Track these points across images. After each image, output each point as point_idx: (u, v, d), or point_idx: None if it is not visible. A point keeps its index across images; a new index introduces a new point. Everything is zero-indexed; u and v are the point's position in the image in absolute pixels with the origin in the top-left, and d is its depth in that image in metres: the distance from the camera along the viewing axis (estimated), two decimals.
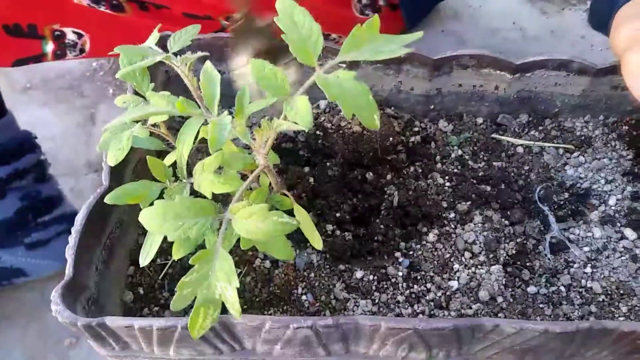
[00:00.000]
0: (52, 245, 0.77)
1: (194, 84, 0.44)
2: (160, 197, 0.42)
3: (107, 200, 0.39)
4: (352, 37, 0.34)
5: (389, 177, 0.56)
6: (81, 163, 0.95)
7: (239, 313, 0.33)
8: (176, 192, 0.40)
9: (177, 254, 0.38)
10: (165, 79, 0.58)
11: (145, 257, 0.41)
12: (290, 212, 0.41)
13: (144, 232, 0.53)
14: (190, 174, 0.41)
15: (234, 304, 0.33)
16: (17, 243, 0.75)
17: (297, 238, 0.50)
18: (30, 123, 0.80)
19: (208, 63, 0.37)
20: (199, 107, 0.37)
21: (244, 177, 0.40)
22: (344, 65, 0.58)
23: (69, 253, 0.42)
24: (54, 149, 0.95)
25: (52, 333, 0.78)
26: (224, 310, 0.39)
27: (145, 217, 0.33)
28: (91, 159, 0.95)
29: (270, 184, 0.43)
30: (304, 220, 0.41)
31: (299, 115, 0.33)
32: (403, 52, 0.33)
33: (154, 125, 0.44)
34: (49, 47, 0.75)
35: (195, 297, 0.34)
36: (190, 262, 0.34)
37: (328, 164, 0.55)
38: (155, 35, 0.45)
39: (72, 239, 0.43)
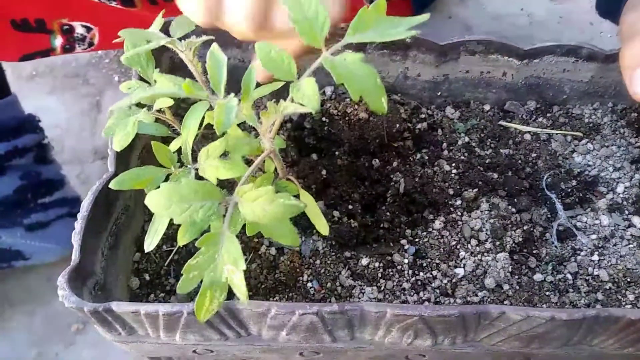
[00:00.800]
0: (51, 228, 0.78)
1: (199, 68, 0.44)
2: (166, 182, 0.41)
3: (112, 185, 0.39)
4: (359, 19, 0.34)
5: (395, 164, 0.55)
6: (87, 150, 0.95)
7: (246, 296, 0.33)
8: (181, 177, 0.40)
9: (182, 240, 0.38)
10: (171, 65, 0.58)
11: (151, 243, 0.41)
12: (296, 198, 0.41)
13: (149, 219, 0.53)
14: (195, 159, 0.41)
15: (240, 287, 0.33)
16: (16, 224, 0.75)
17: (302, 225, 0.50)
18: (36, 110, 0.80)
19: (215, 45, 0.37)
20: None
21: (249, 162, 0.40)
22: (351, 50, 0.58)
23: (76, 239, 0.42)
24: (59, 136, 0.95)
25: (58, 319, 0.79)
26: (230, 296, 0.40)
27: (152, 200, 0.32)
28: (97, 146, 0.96)
29: (275, 169, 0.43)
30: (310, 205, 0.41)
31: (305, 97, 0.33)
32: (409, 35, 0.33)
33: (159, 111, 0.44)
34: (58, 41, 0.75)
35: (202, 281, 0.34)
36: (197, 244, 0.33)
37: (337, 152, 0.55)
38: (159, 21, 0.45)
39: (79, 225, 0.43)
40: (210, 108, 0.42)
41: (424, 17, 0.33)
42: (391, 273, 0.49)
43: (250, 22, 0.42)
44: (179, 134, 0.45)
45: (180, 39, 0.42)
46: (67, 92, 1.04)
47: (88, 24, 0.74)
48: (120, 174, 0.40)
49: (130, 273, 0.50)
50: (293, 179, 0.42)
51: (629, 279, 0.50)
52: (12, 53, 0.73)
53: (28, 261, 0.78)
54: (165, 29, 0.43)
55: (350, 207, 0.51)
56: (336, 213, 0.51)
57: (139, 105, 0.46)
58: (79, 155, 0.95)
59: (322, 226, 0.42)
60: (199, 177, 0.40)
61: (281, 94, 0.39)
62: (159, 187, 0.40)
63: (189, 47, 0.42)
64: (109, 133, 0.41)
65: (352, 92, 0.33)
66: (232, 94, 0.35)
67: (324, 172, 0.53)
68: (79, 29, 0.74)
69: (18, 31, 0.70)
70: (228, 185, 0.44)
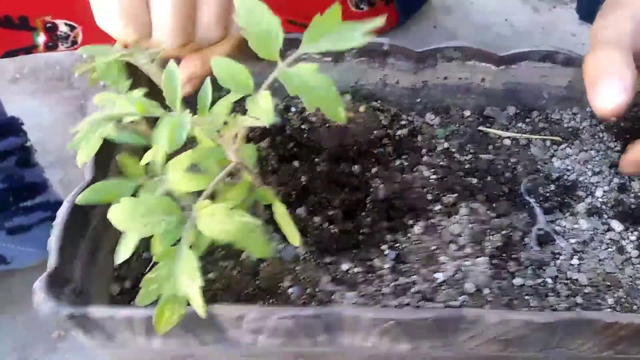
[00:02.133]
0: (33, 232, 0.77)
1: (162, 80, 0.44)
2: (134, 195, 0.41)
3: (78, 201, 0.39)
4: (312, 28, 0.34)
5: (375, 170, 0.56)
6: (70, 154, 0.94)
7: (203, 310, 0.34)
8: (151, 189, 0.40)
9: (156, 250, 0.38)
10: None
11: (121, 256, 0.41)
12: (269, 207, 0.41)
13: None
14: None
15: (197, 302, 0.34)
16: None
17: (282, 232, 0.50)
18: (19, 113, 0.79)
19: (171, 62, 0.36)
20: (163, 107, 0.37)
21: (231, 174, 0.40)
22: (330, 59, 0.58)
23: (53, 244, 0.42)
24: (43, 140, 0.94)
25: (40, 324, 0.78)
26: (211, 300, 0.40)
27: (113, 215, 0.33)
28: None
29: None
30: (281, 215, 0.41)
31: (261, 111, 0.33)
32: (363, 41, 0.33)
33: (132, 122, 0.44)
34: (41, 38, 0.74)
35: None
36: (154, 259, 0.34)
37: (316, 159, 0.55)
38: None
39: (56, 230, 0.43)
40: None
41: (379, 21, 0.33)
42: (371, 278, 0.49)
43: (176, 37, 0.43)
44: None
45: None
46: (50, 95, 1.04)
47: (72, 23, 0.74)
48: (85, 190, 0.40)
49: (111, 279, 0.50)
50: (267, 188, 0.43)
51: (608, 283, 0.51)
52: None
53: (9, 265, 0.77)
54: None
55: (330, 213, 0.52)
56: (317, 219, 0.52)
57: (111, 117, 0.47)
58: (62, 159, 0.94)
59: (294, 237, 0.42)
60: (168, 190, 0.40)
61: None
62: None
63: (150, 59, 0.42)
64: (74, 146, 0.41)
65: (306, 102, 0.33)
66: (187, 110, 0.36)
67: (304, 178, 0.53)
68: (62, 27, 0.74)
69: (1, 27, 0.70)
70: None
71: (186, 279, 0.34)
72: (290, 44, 0.38)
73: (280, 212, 0.41)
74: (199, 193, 0.39)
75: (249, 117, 0.34)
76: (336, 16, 0.33)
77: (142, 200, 0.33)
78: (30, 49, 0.75)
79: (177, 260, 0.34)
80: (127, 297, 0.49)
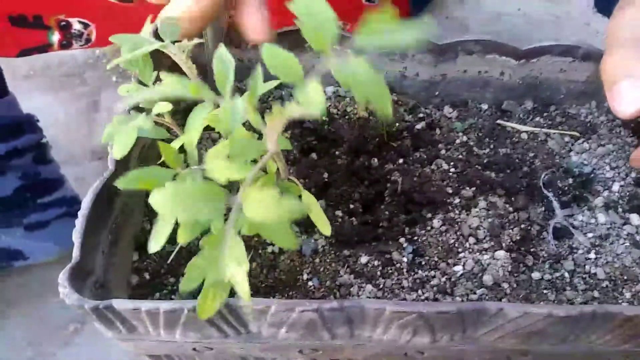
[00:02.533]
0: (51, 228, 0.78)
1: (194, 71, 0.44)
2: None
3: (118, 184, 0.39)
4: (366, 24, 0.34)
5: (393, 163, 0.56)
6: (84, 150, 0.96)
7: (248, 295, 0.33)
8: (189, 177, 0.40)
9: (182, 238, 0.38)
10: (171, 64, 0.58)
11: (155, 244, 0.41)
12: (298, 199, 0.41)
13: (148, 218, 0.53)
14: (200, 160, 0.41)
15: (243, 286, 0.33)
16: (16, 223, 0.76)
17: (304, 224, 0.50)
18: (33, 110, 0.80)
19: (222, 47, 0.37)
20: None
21: (253, 161, 0.40)
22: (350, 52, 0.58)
23: (76, 236, 0.42)
24: (56, 137, 0.95)
25: (55, 319, 0.79)
26: (230, 294, 0.40)
27: (156, 200, 0.32)
28: (94, 147, 0.96)
29: (277, 169, 0.43)
30: (312, 206, 0.41)
31: (311, 102, 0.33)
32: (416, 41, 0.33)
33: (158, 115, 0.44)
34: (55, 37, 0.75)
35: (204, 280, 0.34)
36: (200, 244, 0.34)
37: (337, 152, 0.55)
38: (148, 26, 0.45)
39: (79, 223, 0.43)
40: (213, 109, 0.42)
41: (429, 21, 0.33)
42: (390, 271, 0.50)
43: None
44: (177, 136, 0.45)
45: (173, 42, 0.42)
46: (64, 92, 1.04)
47: (85, 20, 0.75)
48: (127, 173, 0.40)
49: (130, 271, 0.50)
50: (295, 180, 0.43)
51: (625, 277, 0.51)
52: (10, 49, 0.73)
53: (27, 260, 0.78)
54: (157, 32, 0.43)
55: (351, 206, 0.52)
56: (338, 212, 0.52)
57: (138, 109, 0.47)
58: (76, 155, 0.95)
59: (325, 227, 0.42)
60: (206, 178, 0.40)
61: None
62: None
63: (181, 50, 0.42)
64: (108, 140, 0.41)
65: (358, 97, 0.33)
66: (238, 95, 0.36)
67: (324, 171, 0.53)
68: (76, 25, 0.75)
69: (16, 27, 0.71)
70: (228, 186, 0.44)
71: (233, 264, 0.33)
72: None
73: (311, 203, 0.41)
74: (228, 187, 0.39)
75: (298, 107, 0.34)
76: (389, 14, 0.33)
77: (188, 185, 0.33)
78: (45, 47, 0.75)
79: (223, 246, 0.34)
80: (146, 288, 0.49)
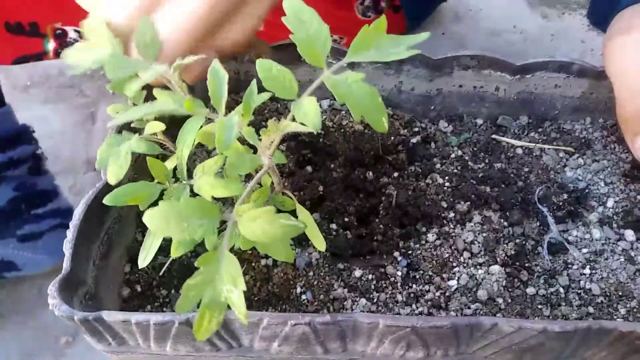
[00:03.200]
0: (44, 239, 0.77)
1: (185, 89, 0.44)
2: (160, 198, 0.41)
3: (106, 201, 0.39)
4: (360, 39, 0.34)
5: (388, 177, 0.56)
6: (81, 161, 0.95)
7: (245, 315, 0.33)
8: (177, 193, 0.40)
9: (175, 252, 0.38)
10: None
11: (145, 258, 0.41)
12: (293, 213, 0.41)
13: (141, 229, 0.53)
14: (190, 175, 0.41)
15: (240, 307, 0.32)
16: (9, 234, 0.75)
17: (298, 237, 0.50)
18: (30, 121, 0.80)
19: (216, 62, 0.36)
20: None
21: (247, 176, 0.40)
22: (346, 64, 0.59)
23: (67, 247, 0.42)
24: (53, 147, 0.95)
25: (48, 330, 0.78)
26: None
27: (149, 219, 0.32)
28: (91, 158, 0.95)
29: (272, 183, 0.43)
30: (307, 221, 0.41)
31: (307, 117, 0.33)
32: (410, 54, 0.33)
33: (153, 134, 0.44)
34: (51, 45, 0.75)
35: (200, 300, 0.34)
36: (196, 264, 0.33)
37: (332, 165, 0.55)
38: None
39: (70, 233, 0.43)
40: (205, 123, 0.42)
41: (424, 35, 0.34)
42: (384, 285, 0.49)
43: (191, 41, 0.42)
44: (171, 152, 0.45)
45: None
46: (61, 103, 1.04)
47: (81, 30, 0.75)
48: (114, 190, 0.40)
49: (122, 283, 0.50)
50: (290, 193, 0.42)
51: (620, 293, 0.50)
52: (5, 56, 0.74)
53: (20, 272, 0.77)
54: None
55: (346, 219, 0.51)
56: (332, 225, 0.52)
57: (130, 128, 0.46)
58: (73, 166, 0.94)
59: (320, 242, 0.42)
60: (193, 194, 0.40)
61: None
62: (155, 203, 0.40)
63: (174, 70, 0.41)
64: (102, 164, 0.40)
65: (353, 111, 0.33)
66: (233, 112, 0.36)
67: (319, 184, 0.53)
68: (71, 33, 0.75)
69: (12, 34, 0.71)
70: (222, 199, 0.44)
71: (228, 284, 0.33)
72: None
73: (306, 218, 0.41)
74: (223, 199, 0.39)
75: (293, 122, 0.34)
76: (382, 28, 0.33)
77: (181, 203, 0.33)
78: (41, 55, 0.76)
79: (219, 265, 0.33)
80: (138, 301, 0.49)
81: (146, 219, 0.32)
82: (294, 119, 0.34)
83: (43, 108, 1.03)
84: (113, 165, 0.39)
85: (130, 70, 0.39)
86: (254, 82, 0.37)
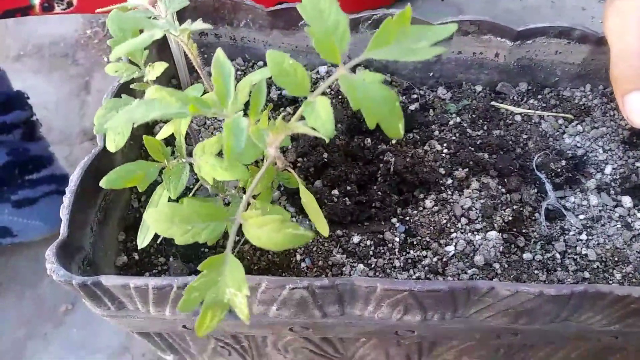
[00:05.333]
0: (39, 205, 0.77)
1: (195, 51, 0.42)
2: (160, 178, 0.40)
3: (102, 184, 0.37)
4: (381, 32, 0.30)
5: (387, 144, 0.55)
6: (75, 131, 0.95)
7: (248, 318, 0.32)
8: (175, 173, 0.38)
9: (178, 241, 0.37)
10: (158, 46, 0.57)
11: (143, 241, 0.40)
12: (296, 192, 0.40)
13: (137, 195, 0.53)
14: (190, 153, 0.40)
15: (243, 310, 0.32)
16: (4, 200, 0.75)
17: (299, 204, 0.50)
18: (24, 90, 0.79)
19: (219, 52, 0.33)
20: (210, 104, 0.34)
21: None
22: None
23: (64, 213, 0.42)
24: (48, 118, 0.94)
25: (47, 300, 0.78)
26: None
27: (152, 219, 0.31)
28: (86, 127, 0.95)
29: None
30: (310, 203, 0.39)
31: (319, 121, 0.30)
32: (435, 53, 0.29)
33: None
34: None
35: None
36: (199, 267, 0.32)
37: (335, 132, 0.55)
38: None
39: (67, 199, 0.42)
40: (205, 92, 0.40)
41: (451, 27, 0.30)
42: (382, 251, 0.49)
43: None
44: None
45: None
46: (55, 73, 1.03)
47: None
48: (110, 172, 0.38)
49: (120, 251, 0.50)
50: (294, 173, 0.41)
51: (616, 258, 0.51)
52: None
53: (15, 238, 0.77)
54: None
55: (348, 187, 0.51)
56: (335, 192, 0.51)
57: (129, 91, 0.45)
58: (67, 136, 0.94)
59: (323, 227, 0.41)
60: (193, 172, 0.39)
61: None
62: (154, 183, 0.39)
63: (183, 32, 0.40)
64: (100, 131, 0.39)
65: (368, 118, 0.30)
66: (240, 112, 0.33)
67: (323, 150, 0.53)
68: None
69: None
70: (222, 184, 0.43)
71: (232, 288, 0.32)
72: None
73: (309, 200, 0.39)
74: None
75: (305, 126, 0.31)
76: (406, 20, 0.29)
77: (185, 205, 0.32)
78: (26, 9, 0.74)
79: (223, 268, 0.32)
80: (136, 268, 0.49)
81: (148, 217, 0.31)
82: (302, 117, 0.32)
83: (37, 78, 1.02)
84: (112, 134, 0.38)
85: (133, 24, 0.37)
86: (263, 80, 0.35)
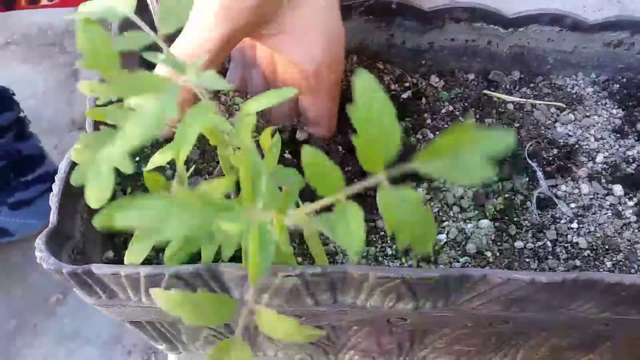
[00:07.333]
0: (35, 205, 0.77)
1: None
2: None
3: (95, 222, 0.33)
4: (432, 145, 0.26)
5: None
6: (64, 121, 0.94)
7: None
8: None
9: (170, 262, 0.37)
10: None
11: (132, 260, 0.38)
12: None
13: (123, 184, 0.52)
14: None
15: None
16: (0, 203, 0.74)
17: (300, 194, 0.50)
18: (11, 80, 0.78)
19: (248, 139, 0.30)
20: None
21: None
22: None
23: (53, 201, 0.41)
24: (36, 107, 0.93)
25: (37, 291, 0.78)
26: (215, 257, 0.39)
27: (162, 300, 0.30)
28: (74, 117, 0.94)
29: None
30: (312, 238, 0.38)
31: (348, 235, 0.27)
32: (491, 174, 0.24)
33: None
34: None
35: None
36: (209, 355, 0.30)
37: None
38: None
39: (56, 187, 0.42)
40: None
41: (509, 136, 0.24)
42: (374, 239, 0.49)
43: None
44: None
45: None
46: (43, 61, 1.02)
47: None
48: (102, 210, 0.34)
49: (107, 239, 0.49)
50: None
51: (607, 247, 0.51)
52: None
53: (13, 237, 0.77)
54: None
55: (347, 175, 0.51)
56: None
57: (108, 109, 0.36)
58: (56, 126, 0.93)
59: (323, 260, 0.40)
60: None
61: None
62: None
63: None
64: (79, 182, 0.33)
65: (400, 240, 0.27)
66: (269, 215, 0.28)
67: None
68: None
69: None
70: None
71: None
72: None
73: (312, 235, 0.38)
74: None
75: (333, 236, 0.27)
76: (465, 134, 0.25)
77: (197, 295, 0.30)
78: (10, 2, 0.72)
79: (230, 355, 0.30)
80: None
81: (158, 298, 0.30)
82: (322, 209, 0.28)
83: (24, 66, 1.00)
84: (93, 188, 0.32)
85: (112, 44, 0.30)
86: (297, 184, 0.32)
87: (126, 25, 0.44)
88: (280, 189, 0.35)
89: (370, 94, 0.26)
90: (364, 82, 0.26)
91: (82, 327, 0.75)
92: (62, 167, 0.43)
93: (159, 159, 0.37)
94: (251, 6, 0.42)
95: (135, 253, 0.38)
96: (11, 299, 0.77)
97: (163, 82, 0.26)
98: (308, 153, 0.28)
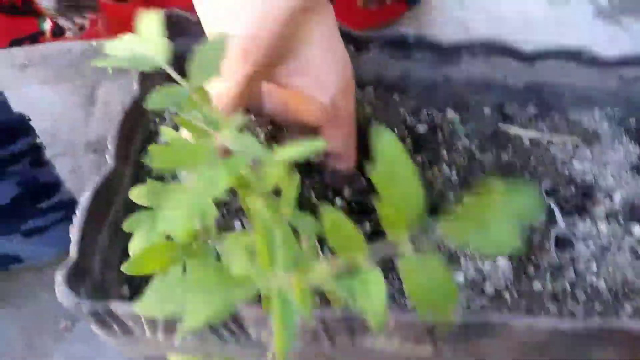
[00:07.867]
0: (49, 233, 0.76)
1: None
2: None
3: (125, 269, 0.34)
4: (459, 217, 0.26)
5: None
6: (80, 143, 0.94)
7: None
8: (201, 259, 0.34)
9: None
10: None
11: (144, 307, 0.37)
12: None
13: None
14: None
15: None
16: (14, 230, 0.74)
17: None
18: (28, 102, 0.79)
19: (262, 215, 0.30)
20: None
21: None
22: (353, 49, 0.57)
23: (74, 233, 0.41)
24: (53, 129, 0.94)
25: (48, 314, 0.77)
26: None
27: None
28: (90, 139, 0.94)
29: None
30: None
31: (368, 303, 0.25)
32: (519, 245, 0.25)
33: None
34: (47, 24, 0.73)
35: None
36: None
37: None
38: (154, 20, 0.34)
39: (77, 220, 0.42)
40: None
41: (535, 201, 0.24)
42: (390, 278, 0.49)
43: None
44: None
45: None
46: (60, 83, 1.03)
47: None
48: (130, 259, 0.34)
49: (125, 275, 0.49)
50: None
51: (626, 289, 0.50)
52: (0, 38, 0.71)
53: (23, 263, 0.77)
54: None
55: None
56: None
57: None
58: (72, 148, 0.93)
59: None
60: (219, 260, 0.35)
61: None
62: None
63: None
64: (131, 228, 0.35)
65: (420, 306, 0.26)
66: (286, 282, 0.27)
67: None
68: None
69: (5, 14, 0.68)
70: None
71: None
72: None
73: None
74: None
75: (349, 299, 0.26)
76: (489, 206, 0.25)
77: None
78: (37, 36, 0.73)
79: None
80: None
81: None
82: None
83: (42, 89, 1.01)
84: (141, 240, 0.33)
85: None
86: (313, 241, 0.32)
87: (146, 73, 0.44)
88: (296, 231, 0.35)
89: (391, 156, 0.25)
90: (385, 143, 0.25)
91: (92, 353, 0.74)
92: (84, 200, 0.43)
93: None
94: (267, 45, 0.43)
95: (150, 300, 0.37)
96: (21, 322, 0.77)
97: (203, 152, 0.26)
98: (330, 217, 0.26)
